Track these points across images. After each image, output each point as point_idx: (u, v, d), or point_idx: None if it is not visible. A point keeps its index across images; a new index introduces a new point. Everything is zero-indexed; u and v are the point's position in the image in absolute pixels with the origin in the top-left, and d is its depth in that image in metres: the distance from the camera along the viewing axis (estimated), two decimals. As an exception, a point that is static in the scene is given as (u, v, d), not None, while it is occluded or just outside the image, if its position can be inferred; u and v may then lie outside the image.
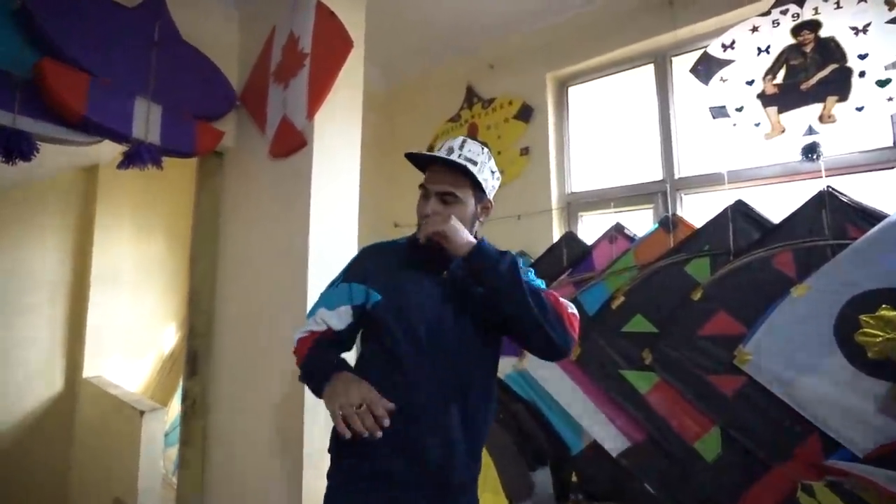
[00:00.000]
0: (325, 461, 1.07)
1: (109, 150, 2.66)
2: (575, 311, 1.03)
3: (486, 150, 1.07)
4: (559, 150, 2.41)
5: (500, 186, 1.14)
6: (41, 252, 3.54)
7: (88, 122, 1.51)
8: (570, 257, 2.12)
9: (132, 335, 3.91)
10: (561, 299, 1.02)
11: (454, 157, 1.02)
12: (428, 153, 1.06)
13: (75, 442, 3.45)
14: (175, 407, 3.36)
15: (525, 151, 2.42)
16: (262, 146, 1.88)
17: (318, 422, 1.58)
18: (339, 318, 1.07)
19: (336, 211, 1.74)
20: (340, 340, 1.10)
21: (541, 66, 2.42)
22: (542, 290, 0.99)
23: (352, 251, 1.72)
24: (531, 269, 1.11)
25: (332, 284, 1.14)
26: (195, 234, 2.18)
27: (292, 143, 1.72)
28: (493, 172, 1.09)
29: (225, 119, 2.02)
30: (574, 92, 2.47)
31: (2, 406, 3.29)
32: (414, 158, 1.09)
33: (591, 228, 2.29)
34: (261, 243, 1.92)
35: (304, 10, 1.71)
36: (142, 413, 2.68)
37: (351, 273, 1.12)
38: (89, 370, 3.59)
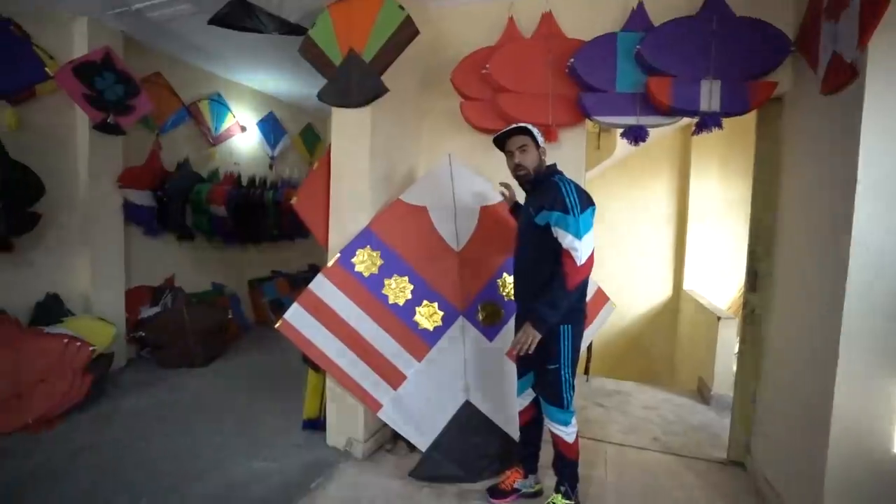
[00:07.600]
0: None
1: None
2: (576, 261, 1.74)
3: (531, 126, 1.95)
4: None
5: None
6: (654, 191, 5.04)
7: (673, 109, 2.31)
8: None
9: (719, 260, 4.76)
10: (569, 277, 1.76)
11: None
12: (505, 129, 1.95)
13: (678, 331, 4.81)
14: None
15: None
16: (816, 85, 1.99)
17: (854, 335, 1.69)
18: None
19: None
20: None
21: None
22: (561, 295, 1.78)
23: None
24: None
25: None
26: (757, 173, 2.57)
27: (842, 76, 1.76)
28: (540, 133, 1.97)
29: (780, 68, 2.25)
30: None
31: (639, 297, 5.10)
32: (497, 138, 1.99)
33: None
34: (812, 176, 2.08)
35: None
36: (718, 318, 3.47)
37: None
38: (688, 283, 4.79)
